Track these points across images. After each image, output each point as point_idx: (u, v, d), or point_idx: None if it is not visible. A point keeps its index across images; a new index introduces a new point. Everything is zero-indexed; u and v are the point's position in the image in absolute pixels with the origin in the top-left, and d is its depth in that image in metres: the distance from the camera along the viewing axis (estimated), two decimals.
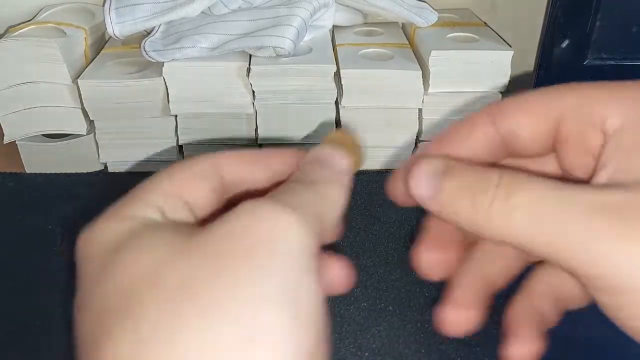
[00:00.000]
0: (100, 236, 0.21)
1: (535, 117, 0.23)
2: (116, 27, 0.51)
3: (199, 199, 0.22)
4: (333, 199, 0.23)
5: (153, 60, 0.49)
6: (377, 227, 0.46)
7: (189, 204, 0.22)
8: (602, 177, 0.21)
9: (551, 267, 0.26)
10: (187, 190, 0.22)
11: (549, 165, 0.26)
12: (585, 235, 0.19)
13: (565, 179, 0.24)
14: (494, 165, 0.25)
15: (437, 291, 0.41)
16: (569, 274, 0.20)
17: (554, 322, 0.26)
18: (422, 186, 0.23)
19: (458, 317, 0.26)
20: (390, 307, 0.39)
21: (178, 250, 0.18)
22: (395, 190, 0.26)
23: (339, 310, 0.39)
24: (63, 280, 0.41)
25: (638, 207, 0.19)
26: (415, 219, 0.48)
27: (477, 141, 0.25)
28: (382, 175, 0.53)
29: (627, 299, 0.19)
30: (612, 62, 0.59)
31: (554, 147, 0.24)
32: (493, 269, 0.26)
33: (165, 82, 0.49)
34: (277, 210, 0.19)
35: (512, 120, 0.24)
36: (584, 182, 0.23)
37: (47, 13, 0.56)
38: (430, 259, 0.26)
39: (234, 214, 0.19)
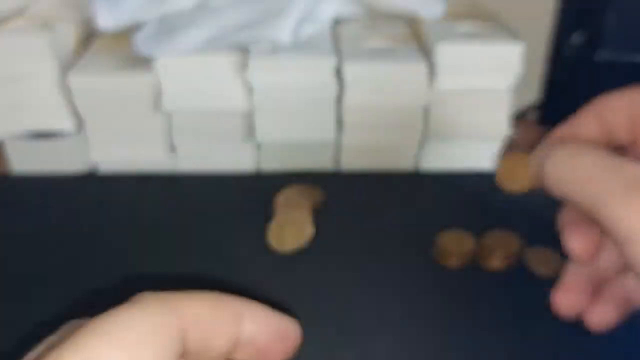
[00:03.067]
0: None
1: (620, 115, 0.30)
2: (106, 19, 0.49)
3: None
4: None
5: (145, 55, 0.47)
6: (377, 227, 0.45)
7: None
8: None
9: None
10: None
11: None
12: (611, 194, 0.25)
13: None
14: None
15: (442, 298, 0.39)
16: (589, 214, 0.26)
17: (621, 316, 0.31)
18: (534, 166, 0.30)
19: (568, 300, 0.31)
20: (395, 314, 0.38)
21: None
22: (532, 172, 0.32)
23: (341, 317, 0.38)
24: (54, 282, 0.40)
25: None
26: (415, 218, 0.46)
27: (584, 130, 0.31)
28: (386, 177, 0.52)
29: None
30: (627, 58, 0.57)
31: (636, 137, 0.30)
32: (598, 265, 0.32)
33: (158, 78, 0.48)
34: None
35: (609, 117, 0.30)
36: None
37: (36, 7, 0.54)
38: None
39: None
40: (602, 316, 0.31)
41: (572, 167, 0.27)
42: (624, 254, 0.26)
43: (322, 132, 0.50)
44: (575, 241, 0.30)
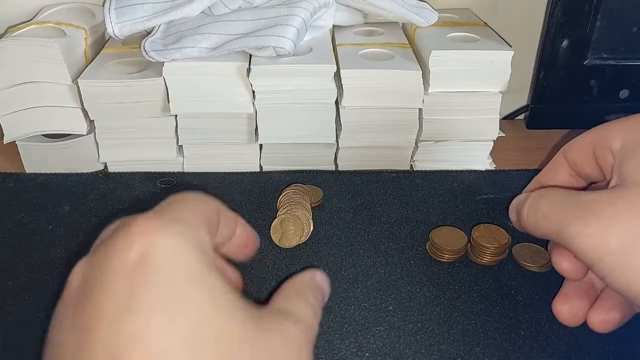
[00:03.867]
0: (182, 250, 0.23)
1: (581, 152, 0.35)
2: (116, 27, 0.51)
3: (216, 232, 0.28)
4: (318, 314, 0.29)
5: (153, 60, 0.49)
6: (377, 227, 0.46)
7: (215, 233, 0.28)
8: (612, 183, 0.31)
9: None
10: (211, 224, 0.26)
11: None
12: (566, 223, 0.30)
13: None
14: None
15: (437, 291, 0.40)
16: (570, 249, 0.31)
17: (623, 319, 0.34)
18: (511, 214, 0.37)
19: (569, 308, 0.34)
20: (391, 307, 0.39)
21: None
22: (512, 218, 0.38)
23: (339, 310, 0.38)
24: (64, 280, 0.40)
25: (605, 201, 0.29)
26: (410, 215, 0.47)
27: (559, 177, 0.37)
28: (382, 176, 0.53)
29: (603, 267, 0.28)
30: (612, 62, 0.59)
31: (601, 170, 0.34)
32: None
33: (165, 82, 0.49)
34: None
35: (574, 154, 0.36)
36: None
37: (47, 13, 0.56)
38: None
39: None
40: (604, 318, 0.33)
41: (538, 209, 0.32)
42: (596, 275, 0.29)
43: (322, 135, 0.52)
44: (564, 262, 0.33)
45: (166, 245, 0.22)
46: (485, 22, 0.58)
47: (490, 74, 0.50)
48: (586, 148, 0.34)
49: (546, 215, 0.31)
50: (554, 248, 0.35)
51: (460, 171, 0.54)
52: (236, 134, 0.52)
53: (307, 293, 0.28)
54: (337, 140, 0.53)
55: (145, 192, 0.50)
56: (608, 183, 0.32)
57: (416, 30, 0.55)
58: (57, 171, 0.53)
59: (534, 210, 0.32)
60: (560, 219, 0.30)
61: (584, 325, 0.34)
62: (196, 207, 0.26)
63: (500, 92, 0.51)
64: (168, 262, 0.22)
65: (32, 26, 0.52)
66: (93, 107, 0.50)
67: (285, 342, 0.23)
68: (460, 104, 0.51)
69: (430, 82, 0.50)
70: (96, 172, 0.54)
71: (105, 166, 0.54)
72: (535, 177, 0.38)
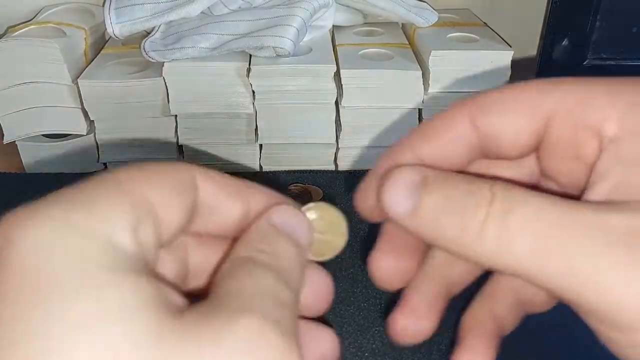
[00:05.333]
0: (46, 244, 0.16)
1: (521, 115, 0.20)
2: (116, 27, 0.51)
3: (170, 218, 0.18)
4: (293, 282, 0.19)
5: (153, 60, 0.49)
6: (377, 227, 0.46)
7: (159, 221, 0.18)
8: (600, 191, 0.18)
9: None
10: (161, 204, 0.18)
11: (524, 168, 0.23)
12: (597, 270, 0.17)
13: (539, 186, 0.23)
14: (462, 172, 0.21)
15: None
16: (571, 305, 0.18)
17: (511, 328, 0.24)
18: (397, 202, 0.20)
19: (413, 325, 0.23)
20: (391, 307, 0.39)
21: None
22: (365, 204, 0.23)
23: (339, 310, 0.39)
24: None
25: None
26: None
27: (452, 142, 0.21)
28: None
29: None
30: (612, 62, 0.59)
31: (537, 150, 0.21)
32: (452, 271, 0.24)
33: (165, 82, 0.49)
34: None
35: (494, 119, 0.21)
36: (572, 195, 0.21)
37: (47, 13, 0.56)
38: (388, 267, 0.24)
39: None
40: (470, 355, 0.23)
41: (513, 231, 0.18)
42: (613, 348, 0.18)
43: (321, 135, 0.52)
44: (388, 267, 0.24)
45: (30, 239, 0.15)
46: (484, 22, 0.58)
47: (490, 74, 0.50)
48: (532, 115, 0.20)
49: (535, 244, 0.17)
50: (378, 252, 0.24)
51: None
52: (236, 134, 0.52)
53: (261, 257, 0.19)
54: (337, 140, 0.53)
55: None
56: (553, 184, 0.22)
57: (416, 31, 0.55)
58: (57, 171, 0.53)
59: (500, 229, 0.18)
60: (570, 256, 0.17)
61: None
62: (130, 186, 0.18)
63: None
64: (26, 262, 0.15)
65: (32, 26, 0.53)
66: (93, 107, 0.50)
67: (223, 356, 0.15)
68: None
69: (430, 82, 0.50)
70: (96, 172, 0.54)
71: (105, 166, 0.54)
72: (407, 140, 0.22)
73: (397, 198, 0.20)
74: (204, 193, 0.20)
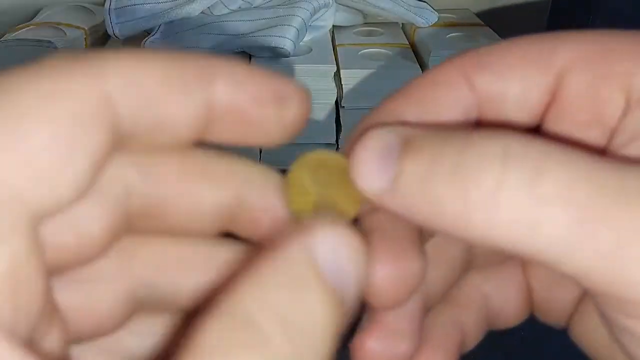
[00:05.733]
0: None
1: (530, 68, 0.16)
2: (117, 27, 0.51)
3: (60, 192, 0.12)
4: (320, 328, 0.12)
5: None
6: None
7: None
8: (632, 153, 0.15)
9: (488, 274, 0.20)
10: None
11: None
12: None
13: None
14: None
15: None
16: (599, 297, 0.14)
17: (473, 345, 0.20)
18: (370, 173, 0.15)
19: (387, 347, 0.16)
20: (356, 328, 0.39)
21: None
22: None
23: None
24: None
25: None
26: None
27: (445, 105, 0.17)
28: None
29: None
30: None
31: (544, 115, 0.17)
32: (434, 277, 0.18)
33: None
34: None
35: (496, 76, 0.16)
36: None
37: (47, 13, 0.56)
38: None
39: None
40: None
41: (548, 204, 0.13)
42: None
43: (322, 135, 0.52)
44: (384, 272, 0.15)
45: None
46: (484, 23, 0.58)
47: None
48: (543, 68, 0.16)
49: (578, 221, 0.13)
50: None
51: None
52: None
53: (275, 334, 0.11)
54: (337, 141, 0.53)
55: None
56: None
57: (416, 31, 0.55)
58: None
59: (521, 201, 0.13)
60: (621, 236, 0.12)
61: None
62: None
63: None
64: None
65: (32, 27, 0.53)
66: None
67: None
68: None
69: None
70: None
71: None
72: (388, 103, 0.18)
73: (369, 168, 0.15)
74: (131, 121, 0.13)
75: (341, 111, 0.51)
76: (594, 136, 0.16)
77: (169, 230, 0.15)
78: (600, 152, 0.16)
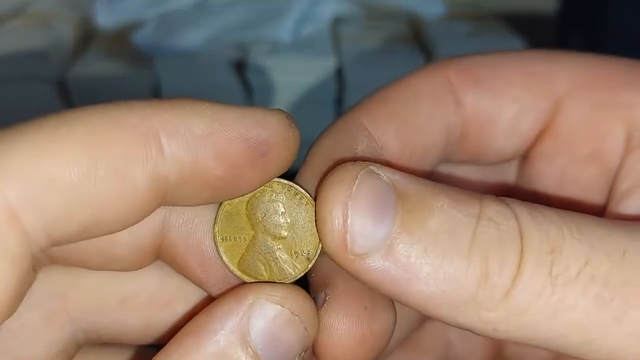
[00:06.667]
0: None
1: (528, 90, 0.14)
2: (107, 18, 0.49)
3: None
4: None
5: (145, 54, 0.47)
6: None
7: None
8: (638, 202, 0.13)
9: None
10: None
11: (496, 167, 0.16)
12: None
13: (514, 190, 0.16)
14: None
15: None
16: None
17: None
18: (356, 229, 0.11)
19: None
20: None
21: None
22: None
23: None
24: None
25: None
26: None
27: (426, 123, 0.14)
28: None
29: None
30: (631, 55, 0.57)
31: (535, 145, 0.15)
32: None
33: (158, 77, 0.47)
34: None
35: (488, 94, 0.14)
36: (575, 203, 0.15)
37: (34, 7, 0.54)
38: (345, 332, 0.13)
39: None
40: None
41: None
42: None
43: (321, 131, 0.50)
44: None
45: None
46: (494, 16, 0.56)
47: None
48: (542, 92, 0.14)
49: (593, 311, 0.11)
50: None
51: None
52: None
53: None
54: None
55: None
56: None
57: (424, 24, 0.54)
58: None
59: (542, 295, 0.11)
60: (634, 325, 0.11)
61: None
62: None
63: None
64: None
65: (19, 19, 0.51)
66: (82, 103, 0.48)
67: None
68: None
69: None
70: None
71: None
72: (360, 113, 0.16)
73: (355, 224, 0.11)
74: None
75: (343, 107, 0.49)
76: (592, 174, 0.14)
77: (96, 267, 0.13)
78: (603, 203, 0.14)
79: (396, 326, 0.14)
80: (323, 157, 0.13)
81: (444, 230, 0.11)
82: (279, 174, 0.12)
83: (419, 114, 0.14)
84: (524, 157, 0.15)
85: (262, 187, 0.12)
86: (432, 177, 0.15)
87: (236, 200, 0.13)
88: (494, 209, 0.12)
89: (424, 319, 0.16)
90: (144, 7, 0.49)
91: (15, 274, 0.10)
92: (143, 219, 0.11)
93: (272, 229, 0.13)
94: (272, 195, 0.13)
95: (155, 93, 0.48)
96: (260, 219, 0.13)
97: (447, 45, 0.48)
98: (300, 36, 0.50)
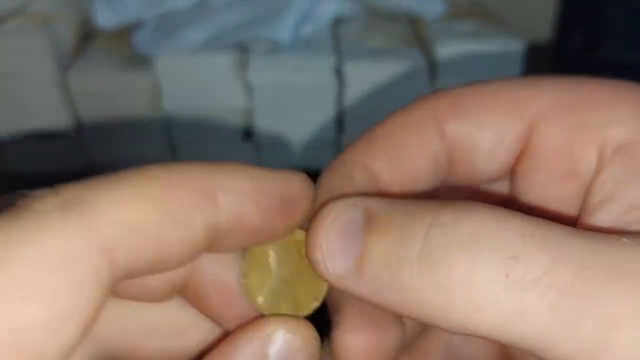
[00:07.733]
0: None
1: (502, 116, 0.15)
2: (107, 18, 0.49)
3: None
4: None
5: (145, 54, 0.47)
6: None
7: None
8: (609, 215, 0.14)
9: None
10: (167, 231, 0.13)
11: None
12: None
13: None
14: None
15: None
16: None
17: None
18: (330, 256, 0.13)
19: None
20: None
21: None
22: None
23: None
24: None
25: None
26: None
27: (414, 153, 0.16)
28: None
29: None
30: (628, 57, 0.57)
31: (516, 165, 0.16)
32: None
33: (158, 77, 0.48)
34: None
35: (467, 123, 0.15)
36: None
37: (34, 6, 0.54)
38: (361, 349, 0.15)
39: None
40: None
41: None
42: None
43: (321, 131, 0.50)
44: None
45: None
46: (495, 14, 0.56)
47: (501, 67, 0.49)
48: (518, 115, 0.15)
49: (560, 309, 0.12)
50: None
51: None
52: (233, 131, 0.50)
53: None
54: (337, 140, 0.51)
55: None
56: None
57: (424, 24, 0.54)
58: (45, 170, 0.51)
59: (500, 290, 0.12)
60: (603, 325, 0.11)
61: None
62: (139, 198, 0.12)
63: None
64: None
65: (20, 18, 0.51)
66: (82, 103, 0.49)
67: None
68: None
69: (436, 76, 0.49)
70: (85, 170, 0.52)
71: (95, 164, 0.52)
72: (355, 152, 0.16)
73: (328, 250, 0.13)
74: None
75: (344, 106, 0.49)
76: (570, 190, 0.15)
77: (128, 297, 0.14)
78: (575, 215, 0.15)
79: (402, 334, 0.16)
80: (324, 199, 0.15)
81: (397, 242, 0.13)
82: (300, 224, 0.14)
83: (406, 146, 0.16)
84: (512, 174, 0.16)
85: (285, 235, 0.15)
86: (437, 193, 0.17)
87: (262, 246, 0.15)
88: (449, 215, 0.12)
89: (426, 324, 0.16)
90: (144, 7, 0.49)
91: (103, 299, 0.12)
92: (193, 260, 0.13)
93: (290, 270, 0.15)
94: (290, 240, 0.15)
95: (155, 93, 0.48)
96: (280, 261, 0.15)
97: (448, 45, 0.48)
98: (300, 36, 0.50)
